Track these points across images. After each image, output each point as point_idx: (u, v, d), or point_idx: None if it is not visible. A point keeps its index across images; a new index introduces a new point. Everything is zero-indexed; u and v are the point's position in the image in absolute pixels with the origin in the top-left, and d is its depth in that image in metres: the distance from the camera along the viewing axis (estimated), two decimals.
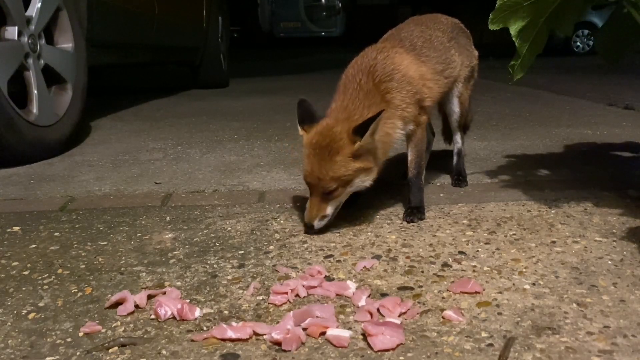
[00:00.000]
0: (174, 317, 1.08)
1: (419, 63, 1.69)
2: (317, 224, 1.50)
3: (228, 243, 1.48)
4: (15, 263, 1.38)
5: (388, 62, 1.61)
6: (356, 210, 1.72)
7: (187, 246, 1.47)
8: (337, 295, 1.16)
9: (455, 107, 1.96)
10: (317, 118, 1.56)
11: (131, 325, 1.07)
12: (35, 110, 2.53)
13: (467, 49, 1.95)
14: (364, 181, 1.52)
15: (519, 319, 1.05)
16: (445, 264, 1.31)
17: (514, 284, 1.20)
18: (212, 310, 1.12)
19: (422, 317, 1.07)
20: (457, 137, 2.04)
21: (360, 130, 1.44)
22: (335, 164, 1.46)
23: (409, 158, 1.71)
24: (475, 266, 1.29)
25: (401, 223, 1.60)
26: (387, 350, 0.95)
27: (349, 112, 1.52)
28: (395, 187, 1.97)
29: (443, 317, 1.06)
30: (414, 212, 1.63)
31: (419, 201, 1.67)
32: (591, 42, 12.39)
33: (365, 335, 0.99)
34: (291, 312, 1.07)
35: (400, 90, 1.59)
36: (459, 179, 1.99)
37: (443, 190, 1.93)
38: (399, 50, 1.68)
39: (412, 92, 1.62)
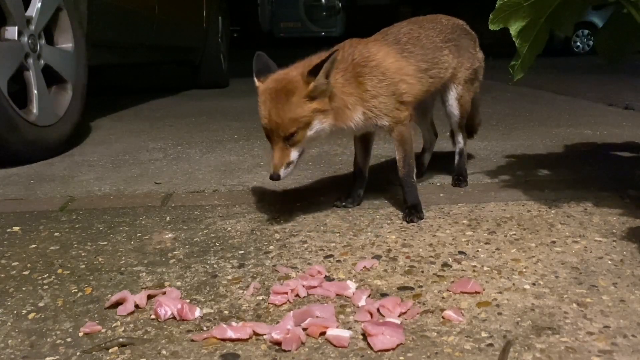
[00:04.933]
0: (174, 317, 1.08)
1: (398, 57, 1.68)
2: (283, 172, 1.48)
3: (228, 243, 1.48)
4: (15, 263, 1.38)
5: (364, 50, 1.63)
6: (356, 210, 1.72)
7: (187, 246, 1.47)
8: (337, 295, 1.16)
9: (455, 110, 1.95)
10: (274, 70, 1.57)
11: (131, 325, 1.07)
12: (35, 110, 2.53)
13: (469, 51, 1.94)
14: (323, 123, 1.51)
15: (519, 319, 1.05)
16: (445, 264, 1.31)
17: (514, 284, 1.20)
18: (212, 310, 1.12)
19: (422, 317, 1.07)
20: (459, 138, 2.04)
21: (315, 71, 1.45)
22: (292, 105, 1.45)
23: (397, 157, 1.70)
24: (475, 266, 1.29)
25: (401, 223, 1.60)
26: (387, 350, 0.95)
27: (311, 62, 1.53)
28: (395, 187, 1.97)
29: (443, 317, 1.06)
30: (413, 212, 1.63)
31: (414, 199, 1.67)
32: (591, 42, 12.39)
33: (365, 335, 0.99)
34: (291, 312, 1.07)
35: (371, 77, 1.60)
36: (459, 179, 1.99)
37: (443, 190, 1.93)
38: (378, 43, 1.69)
39: (385, 82, 1.62)
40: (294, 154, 1.49)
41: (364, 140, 1.81)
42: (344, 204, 1.76)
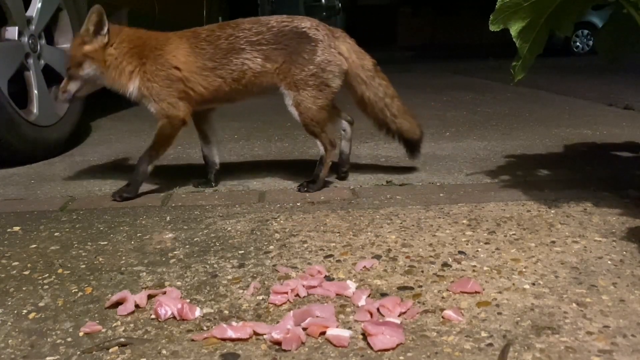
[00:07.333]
0: (174, 317, 1.08)
1: (189, 52, 1.85)
2: (60, 95, 1.90)
3: (228, 243, 1.48)
4: (16, 263, 1.38)
5: (162, 39, 1.88)
6: (356, 210, 1.72)
7: (187, 246, 1.47)
8: (337, 295, 1.16)
9: (296, 117, 1.90)
10: None
11: (131, 325, 1.07)
12: (35, 110, 2.54)
13: (301, 55, 1.85)
14: (94, 70, 1.84)
15: (519, 318, 1.05)
16: (445, 264, 1.31)
17: (513, 284, 1.20)
18: (212, 310, 1.12)
19: (422, 317, 1.07)
20: (317, 143, 1.96)
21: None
22: (72, 45, 1.86)
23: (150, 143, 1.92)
24: (475, 266, 1.30)
25: (401, 223, 1.60)
26: (387, 350, 0.96)
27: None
28: (394, 188, 1.97)
29: (443, 317, 1.06)
30: (122, 192, 1.89)
31: (135, 186, 1.90)
32: (591, 42, 12.39)
33: (365, 335, 0.99)
34: (291, 312, 1.07)
35: (152, 64, 1.83)
36: (302, 184, 1.94)
37: (443, 190, 1.93)
38: (179, 37, 1.89)
39: (162, 73, 1.82)
40: (70, 85, 1.88)
41: (199, 128, 2.07)
42: (199, 186, 2.01)
